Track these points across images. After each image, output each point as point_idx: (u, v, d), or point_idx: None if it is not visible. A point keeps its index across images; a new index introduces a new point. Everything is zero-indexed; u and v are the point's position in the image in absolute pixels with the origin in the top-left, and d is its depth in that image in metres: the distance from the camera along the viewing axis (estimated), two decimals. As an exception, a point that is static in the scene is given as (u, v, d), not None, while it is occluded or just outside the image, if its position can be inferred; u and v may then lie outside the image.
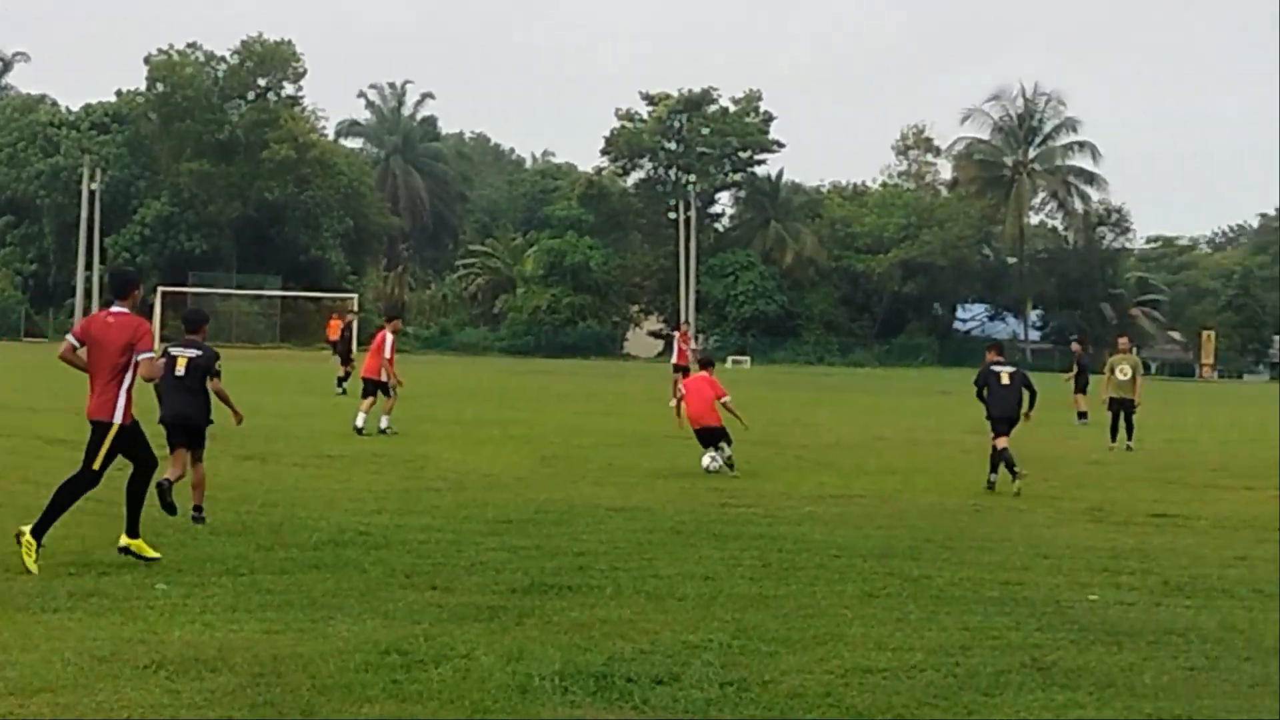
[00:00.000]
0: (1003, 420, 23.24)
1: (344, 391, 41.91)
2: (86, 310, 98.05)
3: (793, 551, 15.18)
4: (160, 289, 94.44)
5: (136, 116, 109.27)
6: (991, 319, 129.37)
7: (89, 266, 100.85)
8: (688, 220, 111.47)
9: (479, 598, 12.11)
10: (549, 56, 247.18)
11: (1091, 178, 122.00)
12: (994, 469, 22.78)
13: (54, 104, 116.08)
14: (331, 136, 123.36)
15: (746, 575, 13.63)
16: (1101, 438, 33.67)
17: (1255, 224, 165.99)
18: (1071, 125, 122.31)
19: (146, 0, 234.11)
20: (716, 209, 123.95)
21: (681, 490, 20.80)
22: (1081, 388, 43.26)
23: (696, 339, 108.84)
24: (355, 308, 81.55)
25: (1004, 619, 11.93)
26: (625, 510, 18.17)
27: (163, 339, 23.54)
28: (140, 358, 13.02)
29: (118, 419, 13.02)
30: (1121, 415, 33.05)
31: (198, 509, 16.14)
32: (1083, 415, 41.64)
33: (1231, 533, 18.24)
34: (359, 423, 28.92)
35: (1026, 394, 23.47)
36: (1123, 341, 36.29)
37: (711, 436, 24.13)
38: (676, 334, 50.83)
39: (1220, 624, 12.05)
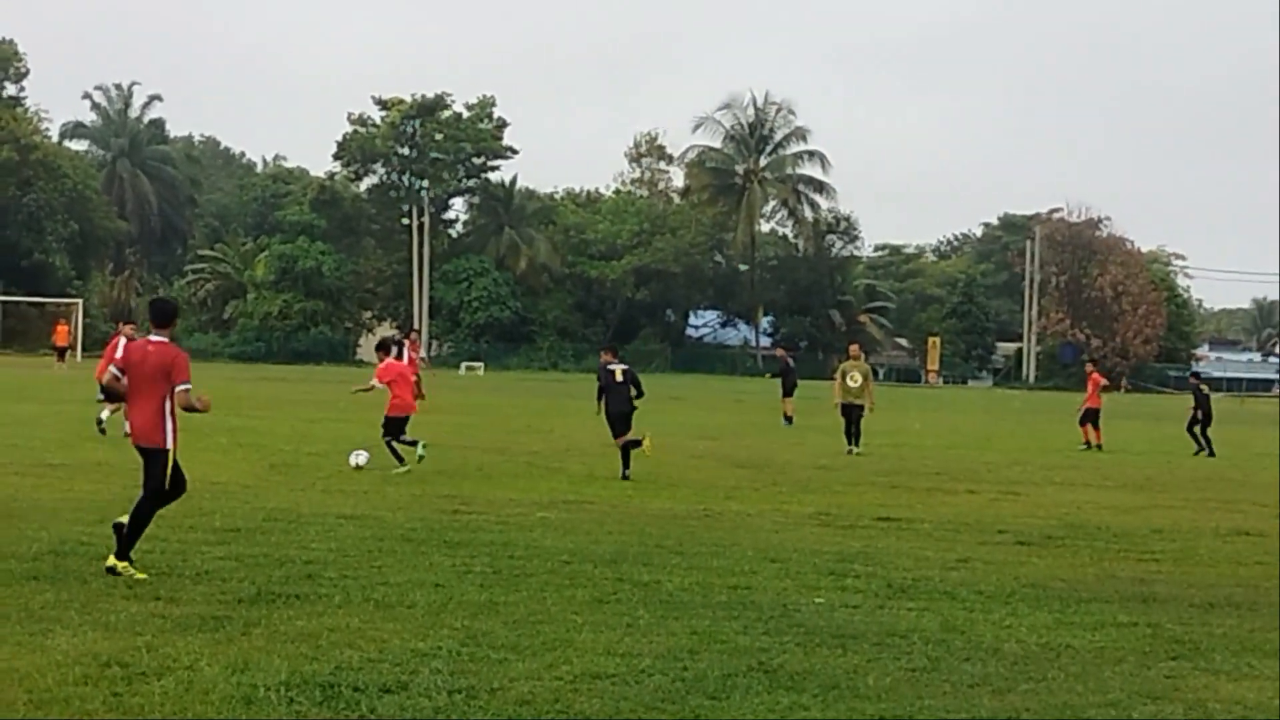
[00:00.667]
0: (620, 416, 26.01)
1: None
2: None
3: (524, 558, 15.21)
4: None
5: None
6: (723, 325, 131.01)
7: None
8: (421, 226, 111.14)
9: (204, 608, 11.94)
10: (280, 59, 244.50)
11: (821, 186, 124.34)
12: (627, 465, 25.31)
13: None
14: (55, 138, 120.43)
15: (477, 582, 13.63)
16: (825, 442, 34.33)
17: (979, 233, 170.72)
18: (802, 134, 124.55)
19: None
20: (450, 215, 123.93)
21: (413, 497, 20.71)
22: (789, 391, 44.91)
23: (430, 345, 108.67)
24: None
25: (732, 623, 12.10)
26: (355, 517, 18.05)
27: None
28: (179, 389, 13.69)
29: (169, 444, 13.63)
30: (852, 420, 33.85)
31: None
32: (788, 419, 43.58)
33: (954, 535, 18.74)
34: (104, 415, 29.37)
35: (633, 389, 26.49)
36: (853, 349, 37.16)
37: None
38: (407, 342, 50.64)
39: (942, 625, 12.37)
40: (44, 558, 14.11)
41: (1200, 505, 24.12)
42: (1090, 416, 38.98)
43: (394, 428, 25.46)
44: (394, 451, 25.01)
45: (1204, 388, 40.69)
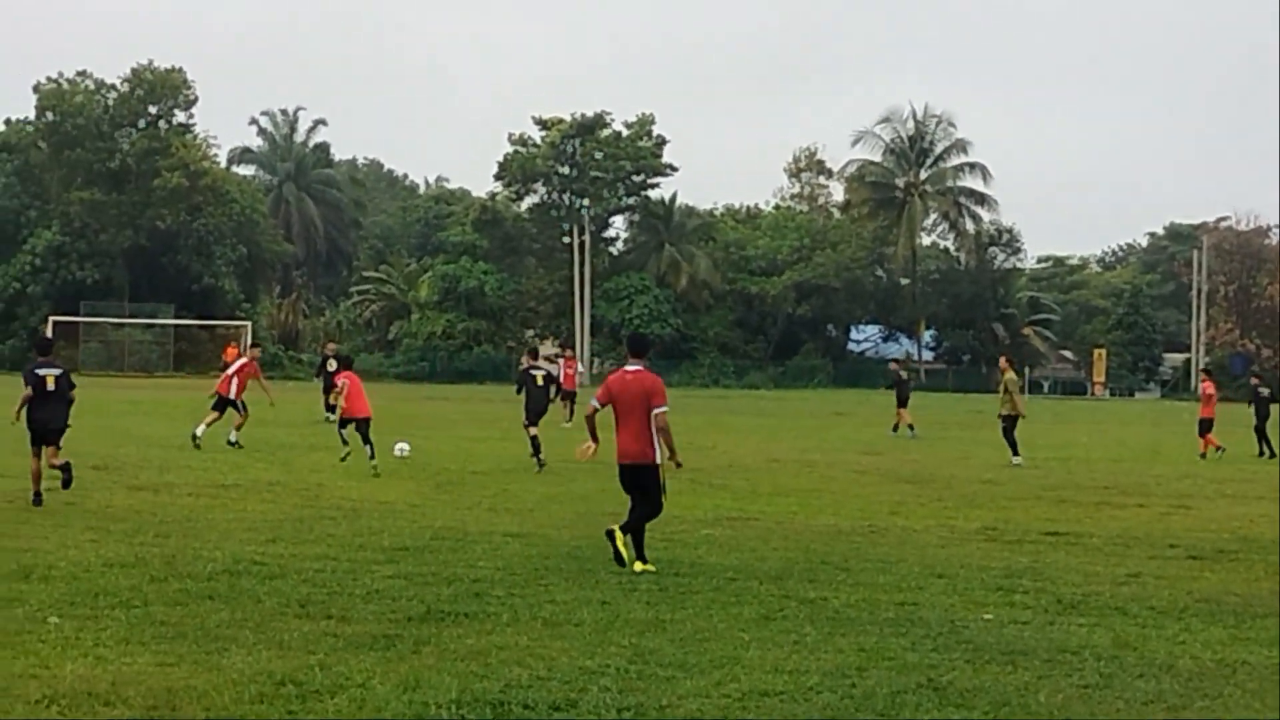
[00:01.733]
0: (535, 413, 30.07)
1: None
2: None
3: (689, 575, 15.23)
4: (51, 319, 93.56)
5: (25, 145, 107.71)
6: (885, 340, 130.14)
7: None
8: (582, 244, 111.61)
9: (374, 626, 12.09)
10: (442, 82, 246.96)
11: (982, 198, 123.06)
12: (537, 451, 29.15)
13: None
14: (224, 164, 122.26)
15: (643, 600, 13.67)
16: (990, 456, 34.07)
17: (1144, 243, 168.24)
18: (962, 146, 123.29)
19: (34, 29, 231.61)
20: (611, 233, 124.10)
21: (577, 515, 20.81)
22: (903, 402, 46.22)
23: (591, 363, 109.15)
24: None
25: (900, 639, 12.04)
26: (521, 536, 18.18)
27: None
28: (656, 411, 15.85)
29: (658, 460, 15.83)
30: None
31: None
32: (910, 427, 44.76)
33: (1124, 550, 18.46)
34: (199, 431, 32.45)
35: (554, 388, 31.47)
36: (1001, 361, 37.17)
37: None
38: (562, 359, 51.08)
39: (1114, 641, 12.22)
40: (219, 577, 14.37)
41: (1379, 518, 23.55)
42: (1206, 427, 38.56)
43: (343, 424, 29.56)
44: (342, 438, 29.25)
45: (1264, 390, 41.24)
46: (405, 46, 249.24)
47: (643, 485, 15.89)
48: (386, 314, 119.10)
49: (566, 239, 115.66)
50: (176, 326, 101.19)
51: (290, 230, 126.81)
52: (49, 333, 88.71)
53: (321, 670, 10.40)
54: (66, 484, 21.60)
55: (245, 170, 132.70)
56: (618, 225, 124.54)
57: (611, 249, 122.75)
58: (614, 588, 14.29)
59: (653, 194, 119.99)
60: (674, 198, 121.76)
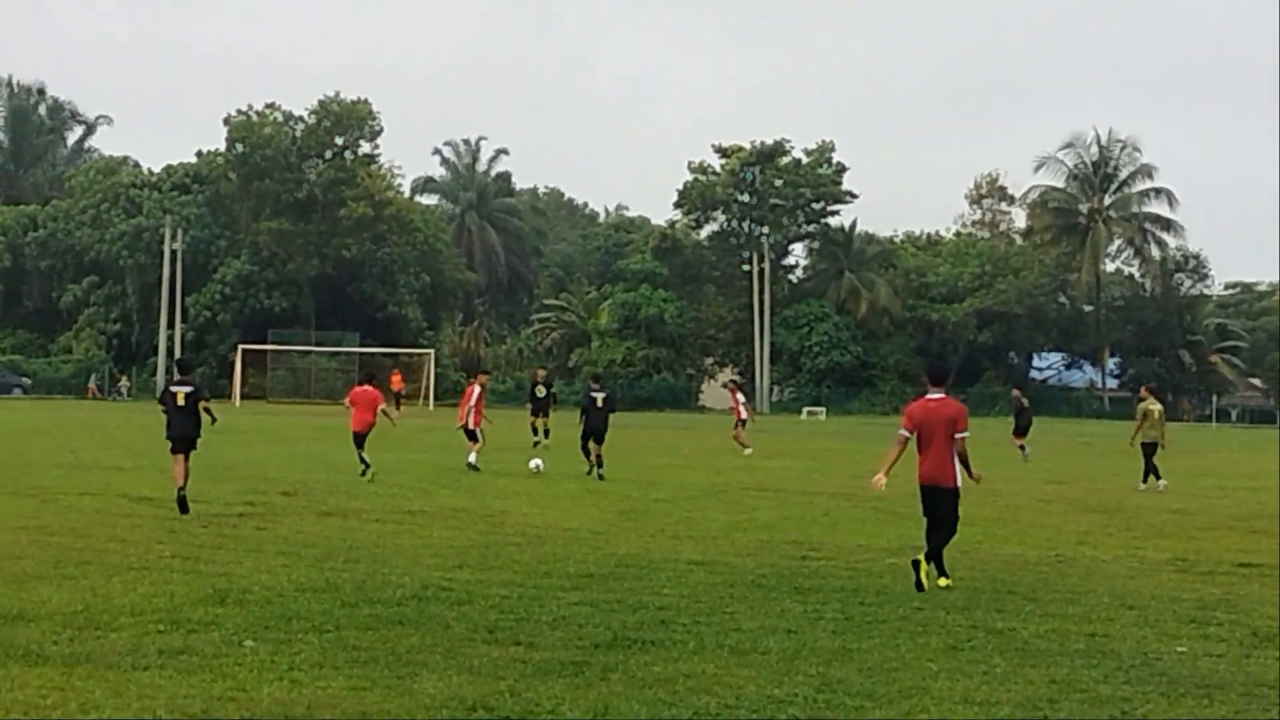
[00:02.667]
0: (594, 433, 34.62)
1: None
2: (169, 370, 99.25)
3: (875, 604, 15.16)
4: (240, 347, 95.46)
5: (216, 177, 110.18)
6: (1068, 367, 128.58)
7: (170, 325, 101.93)
8: (761, 272, 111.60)
9: (562, 653, 12.16)
10: (622, 112, 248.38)
11: (1168, 224, 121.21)
12: (598, 466, 33.25)
13: (136, 165, 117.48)
14: (408, 194, 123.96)
15: (829, 629, 13.62)
16: (1179, 485, 33.50)
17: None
18: (1147, 171, 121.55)
19: (225, 63, 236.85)
20: (790, 260, 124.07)
21: (761, 543, 20.77)
22: (1022, 431, 47.80)
23: (771, 391, 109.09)
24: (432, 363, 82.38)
25: (1091, 671, 11.89)
26: (705, 564, 18.17)
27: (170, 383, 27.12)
28: (958, 436, 16.62)
29: (958, 484, 16.70)
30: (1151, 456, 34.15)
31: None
32: (1022, 448, 46.50)
33: (1319, 582, 18.04)
34: (471, 459, 34.51)
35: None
36: (1143, 390, 37.14)
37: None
38: (728, 391, 51.86)
39: (1312, 676, 11.94)
40: (408, 602, 14.54)
41: None
42: None
43: (356, 440, 32.02)
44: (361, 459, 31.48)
45: None
46: (586, 76, 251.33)
47: (944, 507, 16.74)
48: (567, 341, 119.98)
49: (746, 266, 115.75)
50: (361, 354, 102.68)
51: (472, 259, 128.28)
52: (237, 361, 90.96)
53: (511, 696, 10.49)
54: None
55: (428, 200, 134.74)
56: (797, 252, 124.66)
57: (791, 276, 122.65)
58: (799, 616, 14.25)
59: (832, 221, 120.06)
60: (854, 225, 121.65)
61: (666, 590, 15.83)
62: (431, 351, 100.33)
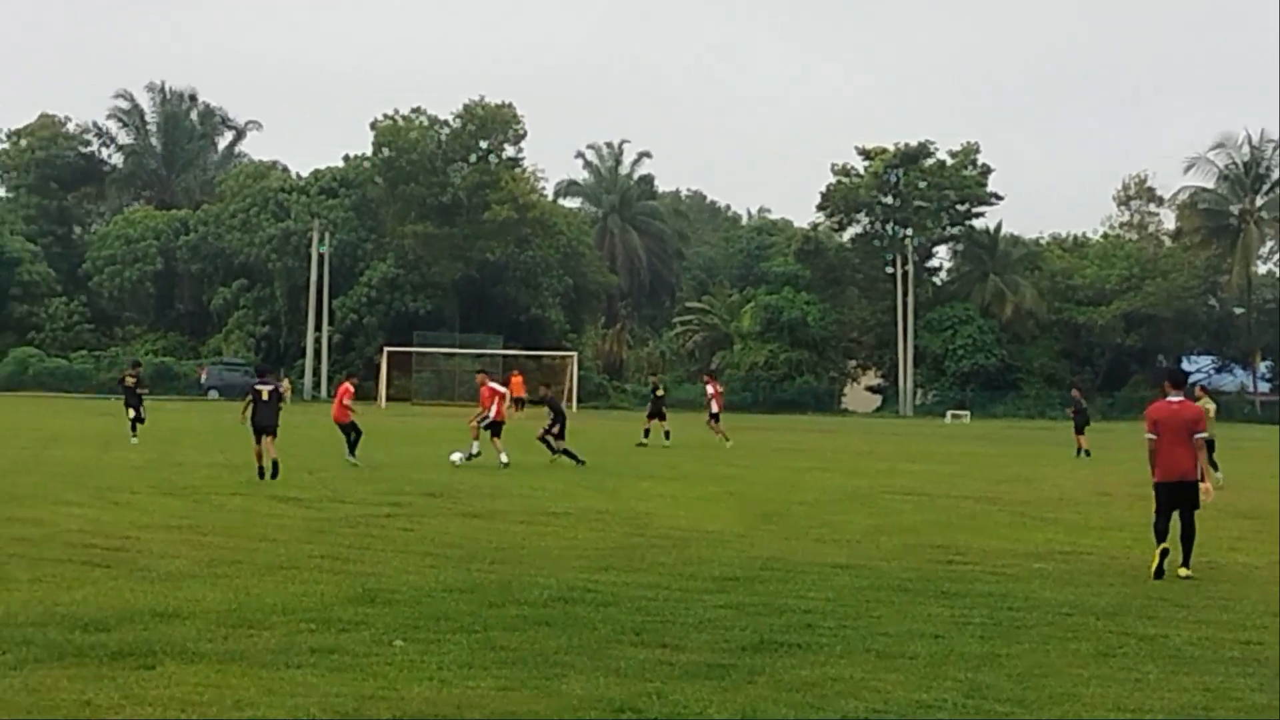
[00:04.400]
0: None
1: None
2: (316, 370, 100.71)
3: (1022, 609, 15.01)
4: (386, 349, 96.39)
5: (363, 181, 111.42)
6: (1219, 370, 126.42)
7: (318, 328, 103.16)
8: (905, 274, 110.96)
9: (708, 655, 12.15)
10: (764, 114, 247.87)
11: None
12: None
13: (284, 170, 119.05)
14: (551, 197, 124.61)
15: (976, 634, 13.51)
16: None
17: None
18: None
19: (372, 68, 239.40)
20: (934, 263, 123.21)
21: (904, 547, 20.64)
22: (1080, 429, 48.74)
23: (915, 393, 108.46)
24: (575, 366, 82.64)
25: (1246, 680, 11.71)
26: (849, 567, 18.09)
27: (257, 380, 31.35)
28: (1199, 436, 18.34)
29: (1199, 477, 18.24)
30: None
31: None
32: (1086, 452, 47.12)
33: None
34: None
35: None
36: (1198, 390, 38.49)
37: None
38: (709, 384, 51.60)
39: None
40: (553, 604, 14.60)
41: None
42: None
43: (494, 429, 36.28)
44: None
45: None
46: (728, 78, 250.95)
47: (1186, 500, 18.17)
48: (709, 344, 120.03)
49: (889, 269, 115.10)
50: (505, 356, 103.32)
51: (614, 261, 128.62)
52: (383, 364, 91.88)
53: (658, 698, 10.50)
54: (274, 474, 29.29)
55: (571, 203, 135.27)
56: (941, 255, 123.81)
57: (935, 279, 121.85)
58: (945, 621, 14.15)
59: (977, 223, 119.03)
60: (999, 227, 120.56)
61: (810, 593, 15.77)
62: (574, 354, 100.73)
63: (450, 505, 25.30)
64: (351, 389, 36.75)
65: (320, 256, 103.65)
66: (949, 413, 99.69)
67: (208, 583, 15.51)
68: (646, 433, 48.28)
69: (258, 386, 30.76)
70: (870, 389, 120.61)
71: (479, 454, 35.67)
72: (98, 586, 15.13)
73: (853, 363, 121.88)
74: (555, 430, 37.36)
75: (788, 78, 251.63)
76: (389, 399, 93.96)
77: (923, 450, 50.27)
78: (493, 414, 36.69)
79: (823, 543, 21.04)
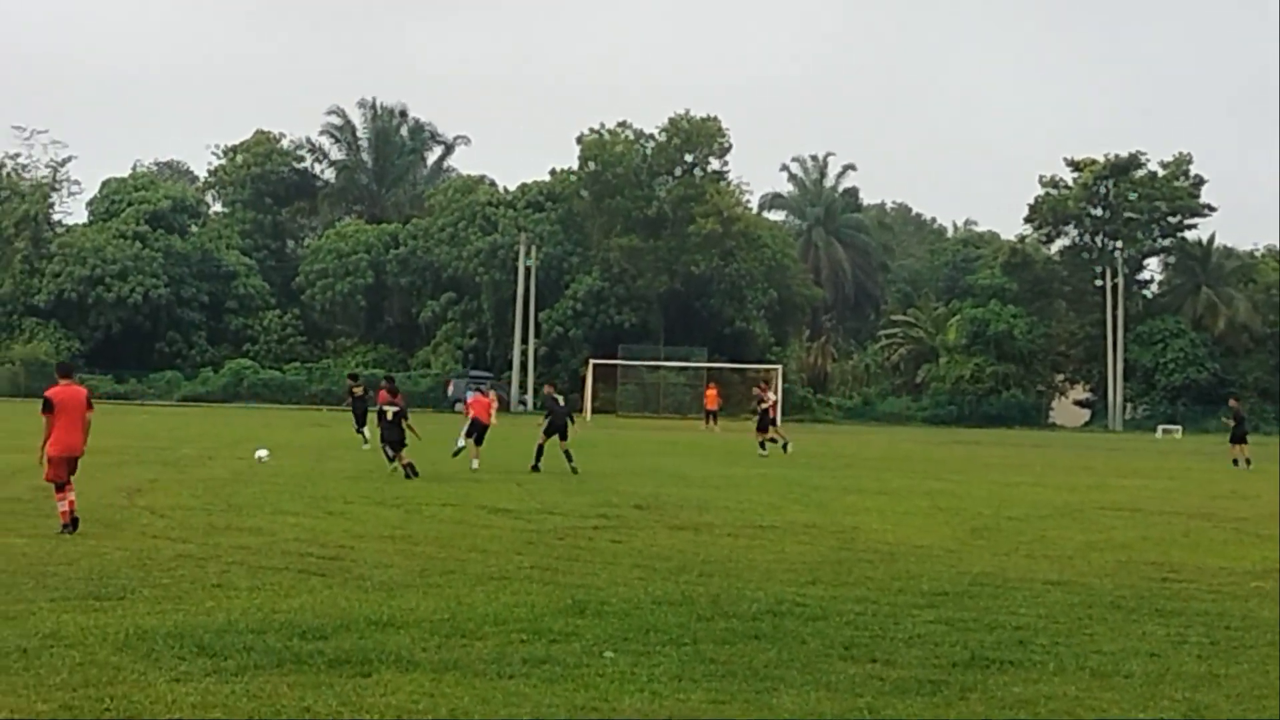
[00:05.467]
0: (556, 428, 36.32)
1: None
2: (523, 383, 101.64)
3: (1241, 629, 14.74)
4: (591, 361, 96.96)
5: (569, 194, 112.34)
6: None
7: (525, 340, 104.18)
8: (1115, 287, 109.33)
9: (919, 671, 12.10)
10: (970, 125, 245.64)
11: None
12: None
13: (492, 184, 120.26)
14: (755, 209, 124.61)
15: (1194, 653, 13.29)
16: None
17: None
18: None
19: (577, 82, 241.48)
20: (1144, 275, 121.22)
21: (1118, 563, 20.34)
22: (1237, 439, 50.03)
23: (1124, 408, 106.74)
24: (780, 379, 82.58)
25: None
26: (1062, 584, 17.88)
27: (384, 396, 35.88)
28: None
29: None
30: None
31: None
32: (1248, 461, 48.10)
33: None
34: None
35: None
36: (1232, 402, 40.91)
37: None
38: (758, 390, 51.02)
39: None
40: (763, 617, 14.62)
41: None
42: None
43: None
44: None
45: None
46: (934, 89, 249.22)
47: None
48: (914, 357, 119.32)
49: (1099, 282, 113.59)
50: (709, 369, 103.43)
51: (819, 274, 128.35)
52: (588, 376, 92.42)
53: (870, 713, 10.49)
54: (409, 475, 32.23)
55: (776, 215, 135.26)
56: (1152, 267, 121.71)
57: (1145, 291, 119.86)
58: (1162, 640, 13.94)
59: (1189, 235, 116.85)
60: (1212, 238, 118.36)
61: (1023, 610, 15.61)
62: (779, 367, 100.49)
63: (658, 517, 25.41)
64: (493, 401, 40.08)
65: (527, 270, 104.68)
66: (1160, 427, 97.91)
67: (422, 592, 15.76)
68: (763, 445, 48.03)
69: (384, 408, 34.61)
70: (1078, 403, 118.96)
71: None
72: (315, 595, 15.45)
73: (1060, 377, 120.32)
74: (546, 430, 36.82)
75: (993, 88, 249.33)
76: (594, 411, 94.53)
77: (1134, 465, 49.46)
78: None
79: (1034, 558, 20.81)
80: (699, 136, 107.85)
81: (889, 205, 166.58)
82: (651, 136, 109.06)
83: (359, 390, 47.45)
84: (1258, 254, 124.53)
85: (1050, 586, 17.58)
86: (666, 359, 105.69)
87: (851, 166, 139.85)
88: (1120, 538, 23.97)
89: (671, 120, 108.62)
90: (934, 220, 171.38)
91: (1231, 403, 54.39)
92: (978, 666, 12.37)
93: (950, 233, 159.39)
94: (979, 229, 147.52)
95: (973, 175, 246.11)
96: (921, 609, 15.49)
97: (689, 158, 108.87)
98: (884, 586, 17.18)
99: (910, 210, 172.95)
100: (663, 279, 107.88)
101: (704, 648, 12.86)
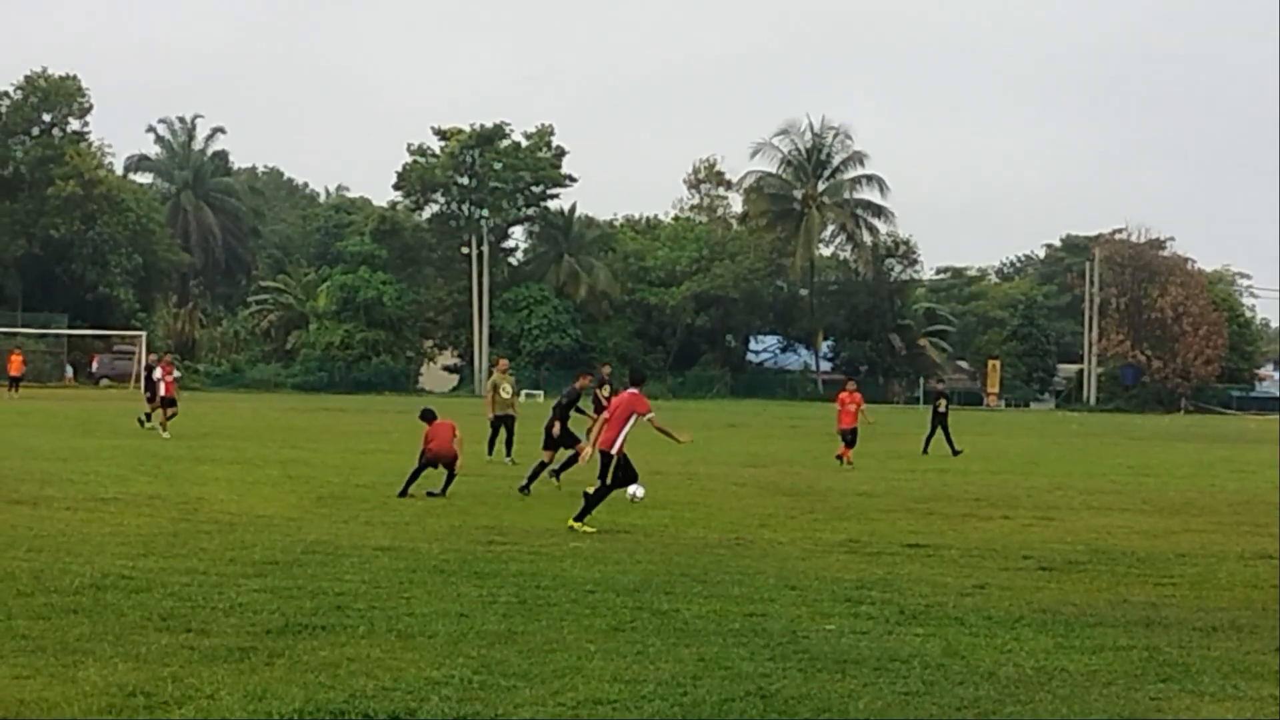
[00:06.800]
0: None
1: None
2: None
3: (549, 588, 15.58)
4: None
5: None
6: (783, 350, 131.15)
7: None
8: (480, 255, 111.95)
9: (232, 639, 12.36)
10: (342, 91, 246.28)
11: (879, 210, 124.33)
12: None
13: None
14: (120, 172, 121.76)
15: (500, 612, 14.00)
16: (871, 467, 34.75)
17: (1042, 254, 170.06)
18: (859, 159, 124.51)
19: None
20: (510, 243, 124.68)
21: (452, 528, 21.11)
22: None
23: (490, 374, 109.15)
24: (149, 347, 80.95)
25: (740, 649, 12.43)
26: (392, 549, 18.45)
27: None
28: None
29: None
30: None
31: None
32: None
33: (978, 561, 18.97)
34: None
35: None
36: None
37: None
38: (160, 366, 47.74)
39: (944, 650, 12.67)
40: (85, 591, 14.59)
41: (1233, 529, 24.10)
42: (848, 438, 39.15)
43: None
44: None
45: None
46: (305, 54, 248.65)
47: None
48: (284, 324, 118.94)
49: (466, 249, 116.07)
50: (70, 336, 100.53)
51: (188, 239, 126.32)
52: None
53: (173, 682, 10.69)
54: None
55: (142, 178, 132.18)
56: (517, 236, 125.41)
57: (511, 259, 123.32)
58: (474, 600, 14.61)
59: (552, 205, 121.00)
60: (573, 208, 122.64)
61: (349, 576, 16.05)
62: (144, 333, 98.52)
63: (-6, 492, 24.80)
64: None
65: None
66: (524, 392, 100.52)
67: None
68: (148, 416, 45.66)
69: None
70: (447, 368, 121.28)
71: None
72: None
73: (429, 342, 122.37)
74: None
75: (366, 55, 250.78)
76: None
77: (484, 430, 50.88)
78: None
79: (371, 525, 21.39)
80: (57, 95, 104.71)
81: (260, 169, 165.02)
82: (5, 94, 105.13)
83: None
84: (616, 223, 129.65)
85: (380, 552, 18.11)
86: (25, 326, 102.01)
87: (221, 129, 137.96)
88: (458, 504, 24.88)
89: (27, 78, 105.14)
90: (306, 185, 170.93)
91: (938, 386, 54.27)
92: (290, 632, 12.71)
93: (322, 198, 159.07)
94: (351, 195, 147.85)
95: (345, 141, 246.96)
96: (249, 578, 15.74)
97: (47, 117, 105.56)
98: (217, 557, 17.37)
99: (282, 175, 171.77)
100: (20, 243, 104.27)
101: (17, 624, 12.75)
